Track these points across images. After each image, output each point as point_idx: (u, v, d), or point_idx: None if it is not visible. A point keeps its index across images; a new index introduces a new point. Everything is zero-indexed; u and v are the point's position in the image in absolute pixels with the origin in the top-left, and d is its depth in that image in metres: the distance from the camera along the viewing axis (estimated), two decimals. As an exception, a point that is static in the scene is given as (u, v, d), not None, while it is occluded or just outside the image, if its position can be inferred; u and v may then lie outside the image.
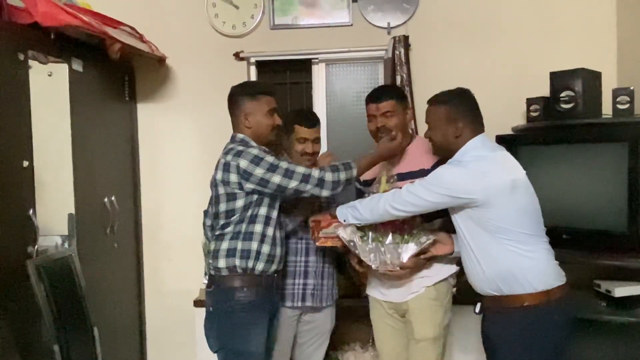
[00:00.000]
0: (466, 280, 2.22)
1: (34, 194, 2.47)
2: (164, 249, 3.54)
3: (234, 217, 2.22)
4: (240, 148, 2.21)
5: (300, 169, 2.19)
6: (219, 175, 2.21)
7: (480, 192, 1.97)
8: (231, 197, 2.21)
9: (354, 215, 2.20)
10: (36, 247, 2.42)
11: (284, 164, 2.18)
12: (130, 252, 3.45)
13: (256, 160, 2.16)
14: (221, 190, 2.22)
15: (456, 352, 2.89)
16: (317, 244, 2.34)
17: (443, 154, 2.19)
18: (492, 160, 2.05)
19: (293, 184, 2.16)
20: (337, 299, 2.64)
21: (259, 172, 2.15)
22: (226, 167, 2.19)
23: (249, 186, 2.17)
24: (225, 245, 2.23)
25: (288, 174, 2.16)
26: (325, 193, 2.22)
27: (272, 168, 2.16)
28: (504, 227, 1.99)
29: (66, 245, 2.70)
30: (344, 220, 2.22)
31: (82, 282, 2.54)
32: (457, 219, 2.09)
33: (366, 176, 2.47)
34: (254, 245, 2.21)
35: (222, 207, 2.23)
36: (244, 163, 2.15)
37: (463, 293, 2.39)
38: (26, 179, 2.43)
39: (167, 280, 3.55)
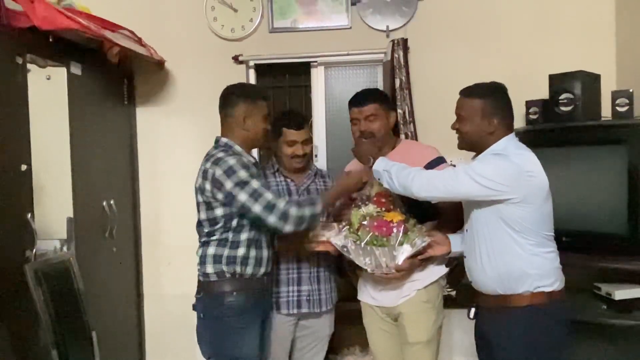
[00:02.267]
0: (466, 282, 2.22)
1: (32, 197, 2.46)
2: (163, 252, 3.54)
3: (218, 225, 2.18)
4: (220, 155, 2.16)
5: (269, 195, 2.09)
6: (198, 182, 2.18)
7: (523, 189, 1.95)
8: (209, 205, 2.17)
9: (387, 180, 2.13)
10: (34, 251, 2.42)
11: (255, 184, 2.10)
12: (129, 256, 3.44)
13: (229, 172, 2.09)
14: (200, 198, 2.19)
15: (456, 355, 2.88)
16: (312, 249, 2.32)
17: (469, 148, 2.14)
18: (535, 161, 2.02)
19: (257, 208, 2.08)
20: (336, 303, 2.61)
21: (228, 185, 2.09)
22: (205, 175, 2.15)
23: (219, 197, 2.13)
24: (211, 250, 2.20)
25: (255, 195, 2.08)
26: (287, 228, 2.10)
27: (242, 184, 2.08)
28: (530, 228, 1.98)
29: (65, 249, 2.70)
30: (378, 178, 2.18)
31: (81, 286, 2.53)
32: (479, 215, 2.04)
33: None
34: (241, 252, 2.18)
35: (203, 215, 2.20)
36: (218, 172, 2.11)
37: (462, 296, 2.38)
38: (24, 183, 2.43)
39: (166, 284, 3.54)
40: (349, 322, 2.89)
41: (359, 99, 2.38)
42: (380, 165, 2.16)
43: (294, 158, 2.47)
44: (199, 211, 2.22)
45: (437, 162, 2.32)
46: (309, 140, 2.52)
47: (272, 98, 3.88)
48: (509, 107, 2.11)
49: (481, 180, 1.95)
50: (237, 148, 2.22)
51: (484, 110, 2.06)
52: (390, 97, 2.54)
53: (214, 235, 2.19)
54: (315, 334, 2.57)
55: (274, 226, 2.11)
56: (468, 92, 2.12)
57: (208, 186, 2.13)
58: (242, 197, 2.08)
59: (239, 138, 2.24)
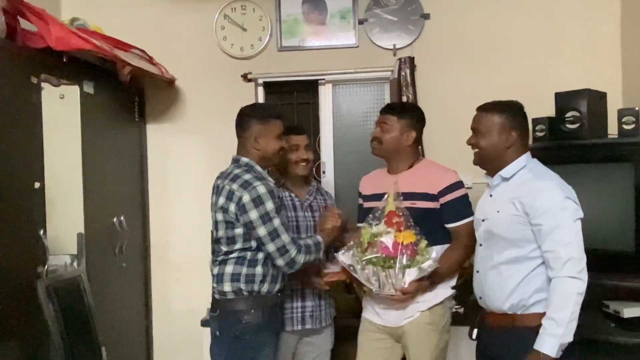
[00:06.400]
0: (472, 300, 2.22)
1: (44, 214, 2.50)
2: (172, 268, 3.56)
3: (237, 244, 2.20)
4: (247, 177, 2.18)
5: (286, 237, 2.17)
6: (221, 201, 2.20)
7: None
8: (230, 225, 2.20)
9: (562, 340, 1.88)
10: (46, 267, 2.45)
11: (276, 222, 2.16)
12: (139, 272, 3.46)
13: (257, 202, 2.14)
14: (219, 216, 2.21)
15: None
16: (326, 284, 2.42)
17: (485, 163, 2.16)
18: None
19: (271, 247, 2.15)
20: (335, 317, 2.63)
21: (253, 215, 2.13)
22: (229, 195, 2.17)
23: (241, 221, 2.17)
24: (229, 269, 2.22)
25: (273, 235, 2.15)
26: (289, 272, 2.25)
27: (266, 218, 2.14)
28: None
29: (75, 264, 2.72)
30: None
31: (91, 302, 2.56)
32: (522, 234, 2.02)
33: (367, 191, 2.51)
34: (259, 270, 2.20)
35: (222, 233, 2.22)
36: (246, 198, 2.14)
37: (471, 313, 2.38)
38: (37, 200, 2.47)
39: (175, 300, 3.56)
40: (352, 338, 2.89)
41: (386, 107, 2.51)
42: (545, 344, 1.90)
43: (299, 163, 2.51)
44: (217, 229, 2.24)
45: (456, 187, 2.35)
46: (310, 147, 2.59)
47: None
48: (526, 125, 2.15)
49: (576, 217, 1.98)
50: (258, 168, 2.26)
51: (503, 125, 2.09)
52: (422, 119, 2.50)
53: (233, 253, 2.22)
54: (318, 349, 2.58)
55: (279, 266, 2.21)
56: (487, 108, 2.15)
57: (233, 208, 2.16)
58: (262, 231, 2.14)
59: (255, 157, 2.27)
